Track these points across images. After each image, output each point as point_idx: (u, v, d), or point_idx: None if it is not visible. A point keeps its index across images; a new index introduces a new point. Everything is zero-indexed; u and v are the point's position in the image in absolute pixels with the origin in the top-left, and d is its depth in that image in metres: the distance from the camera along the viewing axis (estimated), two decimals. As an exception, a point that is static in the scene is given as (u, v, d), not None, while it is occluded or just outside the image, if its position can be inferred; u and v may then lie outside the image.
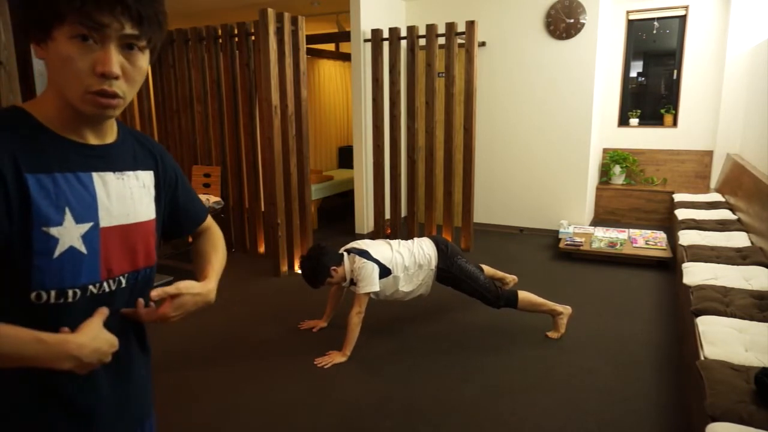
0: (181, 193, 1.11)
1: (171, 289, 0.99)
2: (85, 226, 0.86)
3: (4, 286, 0.82)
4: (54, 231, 0.82)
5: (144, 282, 0.99)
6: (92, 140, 0.90)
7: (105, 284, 0.91)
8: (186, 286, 1.01)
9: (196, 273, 1.15)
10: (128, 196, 0.94)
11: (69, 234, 0.84)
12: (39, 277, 0.82)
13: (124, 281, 0.94)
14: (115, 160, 0.93)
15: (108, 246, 0.90)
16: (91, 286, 0.88)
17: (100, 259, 0.89)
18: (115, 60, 0.81)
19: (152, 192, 1.01)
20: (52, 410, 0.90)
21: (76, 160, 0.86)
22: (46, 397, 0.89)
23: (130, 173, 0.96)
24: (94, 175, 0.89)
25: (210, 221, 1.24)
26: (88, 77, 0.80)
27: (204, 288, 1.08)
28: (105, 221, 0.89)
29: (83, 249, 0.86)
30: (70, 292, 0.85)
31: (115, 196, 0.91)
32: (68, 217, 0.83)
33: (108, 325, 0.91)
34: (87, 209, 0.86)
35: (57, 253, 0.83)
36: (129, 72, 0.84)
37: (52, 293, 0.83)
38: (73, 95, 0.82)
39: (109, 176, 0.91)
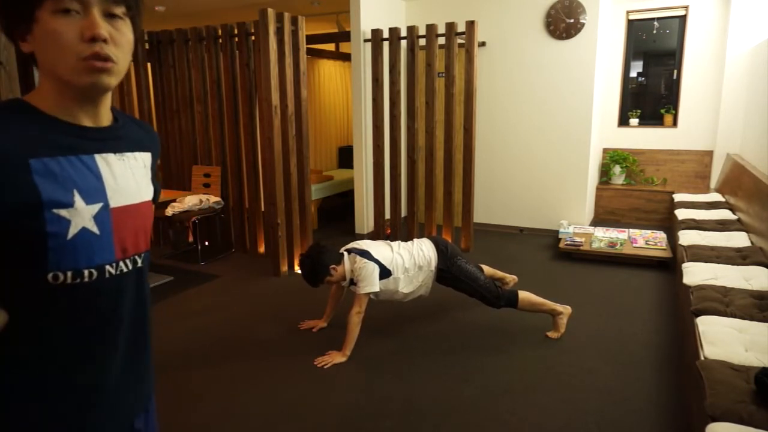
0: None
1: None
2: (96, 207, 0.88)
3: (21, 268, 0.84)
4: (65, 213, 0.84)
5: (148, 263, 1.03)
6: (90, 124, 0.92)
7: (122, 264, 0.94)
8: None
9: None
10: (131, 177, 0.97)
11: (80, 215, 0.86)
12: (54, 259, 0.84)
13: (140, 261, 0.98)
14: (115, 141, 0.95)
15: (120, 226, 0.93)
16: (108, 266, 0.91)
17: (114, 239, 0.92)
18: (101, 23, 0.84)
19: (149, 173, 1.04)
20: (63, 395, 0.92)
21: (77, 144, 0.89)
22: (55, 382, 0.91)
23: (129, 154, 0.98)
24: (97, 157, 0.91)
25: None
26: (77, 45, 0.83)
27: None
28: (114, 201, 0.92)
29: (95, 230, 0.88)
30: (86, 272, 0.88)
31: (120, 177, 0.94)
32: (77, 198, 0.86)
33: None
34: (95, 190, 0.89)
35: (70, 234, 0.85)
36: (116, 37, 0.86)
37: (69, 274, 0.86)
38: (66, 68, 0.84)
39: (111, 157, 0.93)
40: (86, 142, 0.90)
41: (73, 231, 0.85)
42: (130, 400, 1.02)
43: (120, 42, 0.87)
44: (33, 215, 0.82)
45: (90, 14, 0.83)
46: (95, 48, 0.83)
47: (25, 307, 0.86)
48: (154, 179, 1.13)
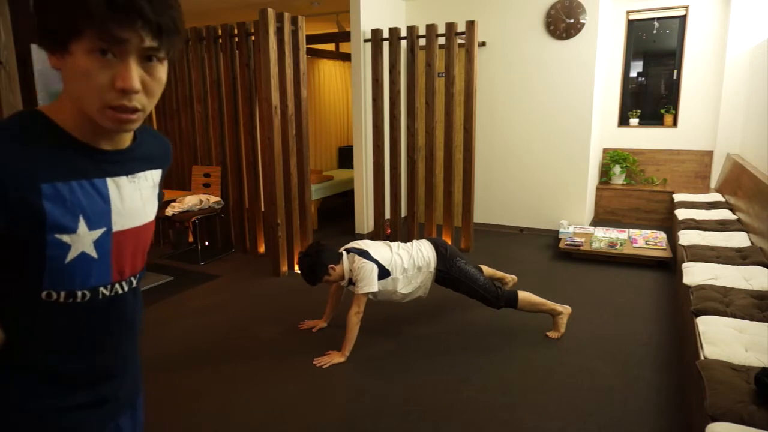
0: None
1: None
2: (98, 232, 0.87)
3: (17, 284, 0.84)
4: (67, 238, 0.83)
5: (142, 278, 1.04)
6: (110, 147, 0.90)
7: (117, 286, 0.93)
8: None
9: None
10: (139, 199, 0.95)
11: (81, 241, 0.85)
12: (50, 279, 0.84)
13: (135, 281, 0.98)
14: (130, 163, 0.93)
15: (119, 249, 0.92)
16: (102, 288, 0.90)
17: (112, 262, 0.91)
18: (136, 75, 0.79)
19: (157, 189, 1.03)
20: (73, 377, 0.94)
21: (92, 167, 0.87)
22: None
23: (141, 174, 0.96)
24: (109, 180, 0.89)
25: None
26: (107, 92, 0.79)
27: None
28: (117, 226, 0.90)
29: (94, 254, 0.87)
30: (79, 293, 0.87)
31: (127, 200, 0.92)
32: (82, 224, 0.84)
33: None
34: (100, 216, 0.87)
35: (68, 258, 0.84)
36: (149, 84, 0.82)
37: (62, 293, 0.86)
38: (92, 109, 0.81)
39: (123, 180, 0.92)
40: (101, 165, 0.88)
41: (71, 255, 0.84)
42: (118, 398, 1.03)
43: (152, 89, 0.83)
44: (35, 238, 0.80)
45: (126, 62, 0.78)
46: (123, 101, 0.80)
47: (19, 316, 0.86)
48: (160, 190, 1.12)
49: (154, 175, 1.01)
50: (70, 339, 0.91)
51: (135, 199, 0.94)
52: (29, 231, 0.80)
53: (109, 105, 0.79)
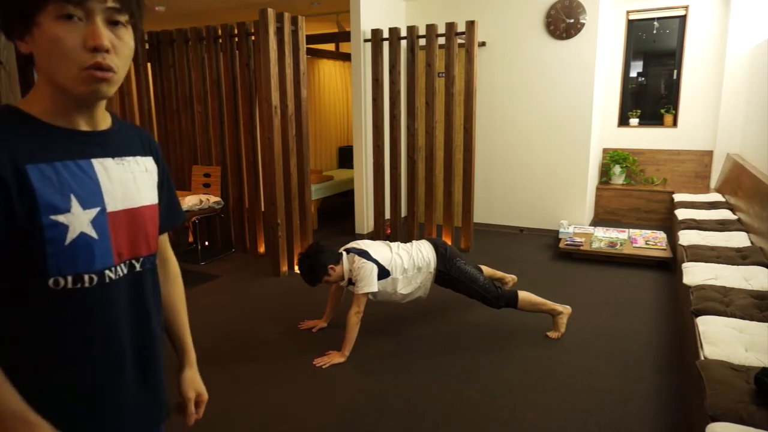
0: (167, 187, 1.12)
1: (193, 408, 1.30)
2: (93, 212, 0.88)
3: (23, 274, 0.84)
4: (62, 218, 0.84)
5: (152, 268, 1.02)
6: (87, 127, 0.91)
7: (119, 268, 0.93)
8: (202, 395, 1.34)
9: (172, 340, 1.28)
10: (131, 180, 0.96)
11: (78, 220, 0.86)
12: (54, 264, 0.84)
13: (138, 265, 0.97)
14: (113, 146, 0.95)
15: (117, 230, 0.92)
16: (107, 271, 0.91)
17: (112, 243, 0.91)
18: (104, 33, 0.83)
19: (155, 177, 1.04)
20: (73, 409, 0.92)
21: (74, 149, 0.88)
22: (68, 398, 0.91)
23: (130, 158, 0.97)
24: (94, 161, 0.90)
25: (169, 250, 1.21)
26: (80, 54, 0.82)
27: (201, 386, 1.36)
28: (111, 206, 0.91)
29: (94, 234, 0.88)
30: (86, 277, 0.88)
31: (117, 182, 0.93)
32: (75, 203, 0.85)
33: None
34: (92, 195, 0.88)
35: (68, 239, 0.85)
36: (118, 46, 0.86)
37: (69, 279, 0.86)
38: (66, 76, 0.83)
39: (109, 162, 0.93)
40: (83, 146, 0.89)
41: (71, 236, 0.85)
42: (139, 411, 1.01)
43: (121, 51, 0.86)
44: (30, 221, 0.81)
45: (93, 22, 0.82)
46: (97, 58, 0.83)
47: (30, 312, 0.86)
48: (169, 195, 1.10)
49: (146, 162, 1.01)
50: (79, 336, 0.89)
51: (127, 180, 0.95)
52: (25, 215, 0.81)
53: (83, 66, 0.82)
